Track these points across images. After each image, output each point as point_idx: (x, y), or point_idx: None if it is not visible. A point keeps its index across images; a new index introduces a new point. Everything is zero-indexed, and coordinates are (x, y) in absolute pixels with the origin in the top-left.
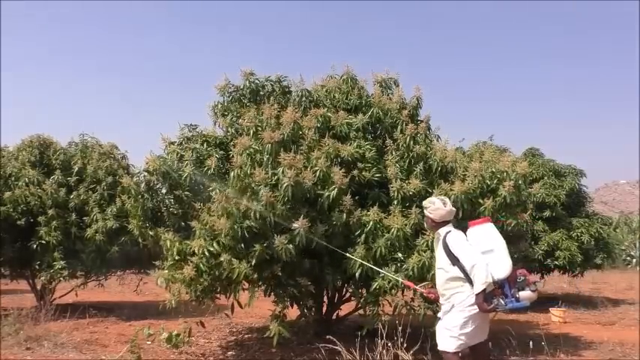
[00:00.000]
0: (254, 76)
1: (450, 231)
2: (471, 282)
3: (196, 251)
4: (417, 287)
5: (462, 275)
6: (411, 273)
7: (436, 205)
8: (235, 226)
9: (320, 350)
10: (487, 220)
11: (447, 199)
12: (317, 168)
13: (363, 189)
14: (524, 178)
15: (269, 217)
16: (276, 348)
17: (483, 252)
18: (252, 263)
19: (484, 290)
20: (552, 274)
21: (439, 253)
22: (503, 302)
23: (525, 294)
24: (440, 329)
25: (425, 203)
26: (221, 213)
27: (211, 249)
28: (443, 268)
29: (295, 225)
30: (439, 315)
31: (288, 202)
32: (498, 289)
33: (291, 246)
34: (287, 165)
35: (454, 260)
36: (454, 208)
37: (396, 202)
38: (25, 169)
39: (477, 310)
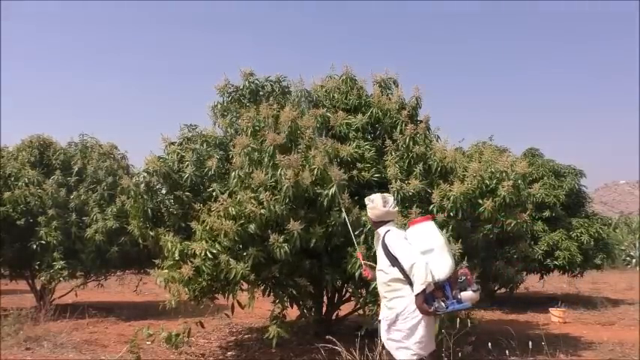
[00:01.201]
0: (253, 76)
1: (389, 230)
2: (411, 283)
3: (198, 253)
4: (364, 261)
5: (401, 276)
6: None
7: (374, 204)
8: (240, 229)
9: (320, 350)
10: (428, 218)
11: (390, 198)
12: (315, 166)
13: (362, 189)
14: (523, 178)
15: (271, 219)
16: (276, 348)
17: (423, 251)
18: (249, 264)
19: (424, 291)
20: (552, 274)
21: (379, 253)
22: (444, 304)
23: (467, 294)
24: (388, 342)
25: (366, 200)
26: (224, 215)
27: (214, 251)
28: (382, 270)
29: (289, 226)
30: (382, 326)
31: (289, 203)
32: (439, 290)
33: (286, 245)
34: (286, 166)
35: (393, 261)
36: (394, 209)
37: (395, 202)
38: (24, 169)
39: (421, 315)
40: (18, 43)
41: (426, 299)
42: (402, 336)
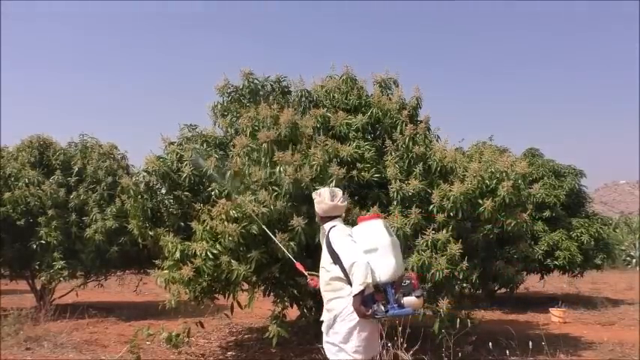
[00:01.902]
0: (253, 76)
1: (334, 225)
2: (351, 283)
3: (198, 253)
4: (306, 272)
5: (342, 275)
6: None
7: (321, 197)
8: (243, 231)
9: (320, 350)
10: (376, 216)
11: (339, 192)
12: (314, 162)
13: (362, 189)
14: (523, 177)
15: (272, 218)
16: (276, 348)
17: (366, 250)
18: (252, 266)
19: (363, 292)
20: (552, 275)
21: (323, 250)
22: (383, 308)
23: (409, 300)
24: (326, 345)
25: (313, 194)
26: (225, 218)
27: (214, 251)
28: (324, 267)
29: (293, 222)
30: (323, 328)
31: (290, 200)
32: (380, 292)
33: (292, 244)
34: (285, 163)
35: (335, 258)
36: (342, 204)
37: (395, 202)
38: (24, 169)
39: (359, 318)
40: (18, 42)
41: (366, 301)
42: (339, 339)
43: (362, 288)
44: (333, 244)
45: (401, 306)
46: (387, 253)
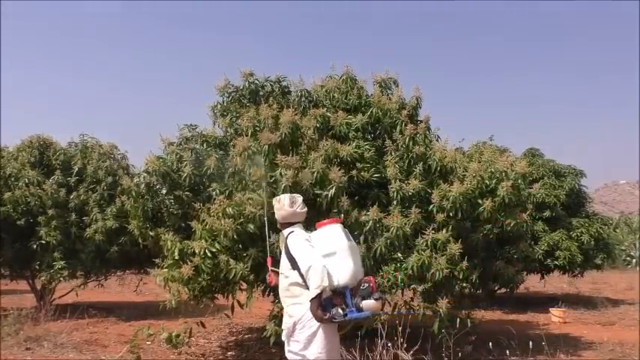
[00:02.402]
0: (253, 76)
1: (292, 231)
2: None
3: (197, 252)
4: (269, 268)
5: (300, 281)
6: (410, 272)
7: (280, 204)
8: (239, 228)
9: None
10: (335, 220)
11: (298, 199)
12: (314, 169)
13: (362, 189)
14: (523, 177)
15: (272, 220)
16: (276, 348)
17: (325, 255)
18: (249, 265)
19: (320, 296)
20: (552, 274)
21: (282, 256)
22: (341, 312)
23: (368, 303)
24: (288, 355)
25: (273, 200)
26: (222, 215)
27: (213, 250)
28: (283, 273)
29: None
30: (283, 336)
31: None
32: (339, 296)
33: None
34: (284, 166)
35: (293, 263)
36: (302, 210)
37: (395, 202)
38: (25, 169)
39: (319, 324)
40: (17, 43)
41: (324, 306)
42: (299, 347)
43: (318, 292)
44: (290, 249)
45: (359, 309)
46: (346, 257)
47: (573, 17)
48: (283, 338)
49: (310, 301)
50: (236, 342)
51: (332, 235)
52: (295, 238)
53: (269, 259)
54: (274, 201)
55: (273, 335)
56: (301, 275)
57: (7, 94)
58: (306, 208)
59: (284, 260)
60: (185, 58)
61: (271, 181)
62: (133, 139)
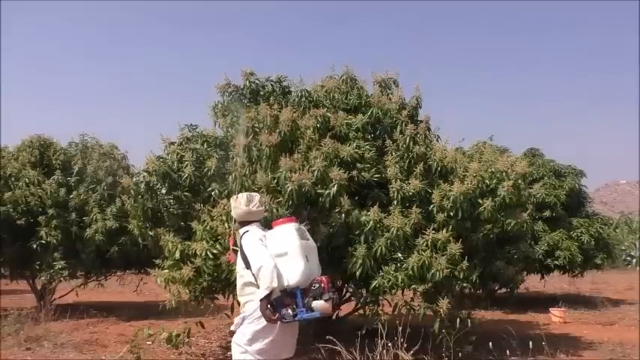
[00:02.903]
0: (254, 76)
1: (247, 231)
2: None
3: (199, 253)
4: (231, 247)
5: (253, 280)
6: (411, 272)
7: (236, 203)
8: None
9: (320, 350)
10: (289, 220)
11: (255, 198)
12: (315, 168)
13: (362, 189)
14: (523, 177)
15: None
16: None
17: (277, 254)
18: None
19: (269, 297)
20: (552, 274)
21: (238, 255)
22: (291, 312)
23: (318, 304)
24: (233, 345)
25: (231, 198)
26: (226, 218)
27: (215, 251)
28: (239, 272)
29: None
30: (232, 328)
31: (292, 206)
32: (289, 297)
33: None
34: (288, 169)
35: (247, 263)
36: (258, 209)
37: (395, 202)
38: (25, 169)
39: (266, 322)
40: (17, 43)
41: (275, 306)
42: (244, 341)
43: (267, 292)
44: (244, 249)
45: (309, 310)
46: (296, 257)
47: (572, 18)
48: (232, 328)
49: (260, 301)
50: None
51: (284, 235)
52: (248, 238)
53: (231, 240)
54: (232, 199)
55: None
56: (254, 275)
57: (6, 95)
58: (263, 207)
59: (239, 260)
60: (184, 59)
61: (274, 183)
62: (133, 139)
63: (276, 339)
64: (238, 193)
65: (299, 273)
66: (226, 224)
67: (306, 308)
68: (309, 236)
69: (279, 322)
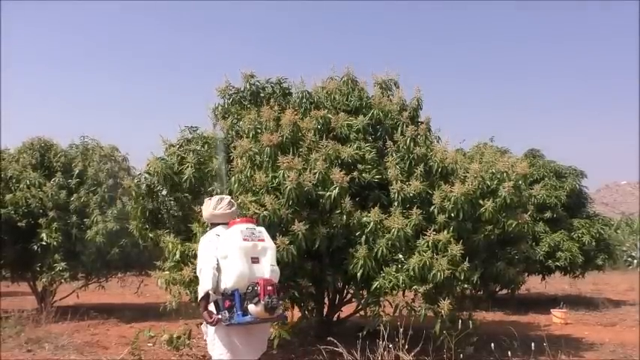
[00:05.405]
0: (254, 78)
1: (208, 232)
2: None
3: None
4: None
5: None
6: (412, 273)
7: (206, 205)
8: None
9: (321, 352)
10: (244, 220)
11: (225, 201)
12: (316, 170)
13: (363, 190)
14: (524, 178)
15: (273, 222)
16: (277, 349)
17: (221, 257)
18: None
19: (205, 299)
20: (553, 275)
21: None
22: (227, 315)
23: (252, 307)
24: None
25: (205, 200)
26: None
27: None
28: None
29: (294, 227)
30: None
31: (293, 206)
32: (228, 299)
33: (292, 247)
34: (287, 168)
35: None
36: (224, 212)
37: (396, 203)
38: (26, 171)
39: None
40: (17, 42)
41: (218, 308)
42: (210, 339)
43: (202, 294)
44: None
45: (245, 313)
46: (235, 260)
47: (573, 17)
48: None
49: (198, 303)
50: None
51: (229, 236)
52: (202, 239)
53: None
54: (206, 200)
55: (277, 338)
56: None
57: (6, 94)
58: (230, 210)
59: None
60: (185, 59)
61: (274, 183)
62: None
63: (232, 341)
64: (213, 196)
65: (234, 275)
66: None
67: (243, 311)
68: (264, 237)
69: (215, 325)
